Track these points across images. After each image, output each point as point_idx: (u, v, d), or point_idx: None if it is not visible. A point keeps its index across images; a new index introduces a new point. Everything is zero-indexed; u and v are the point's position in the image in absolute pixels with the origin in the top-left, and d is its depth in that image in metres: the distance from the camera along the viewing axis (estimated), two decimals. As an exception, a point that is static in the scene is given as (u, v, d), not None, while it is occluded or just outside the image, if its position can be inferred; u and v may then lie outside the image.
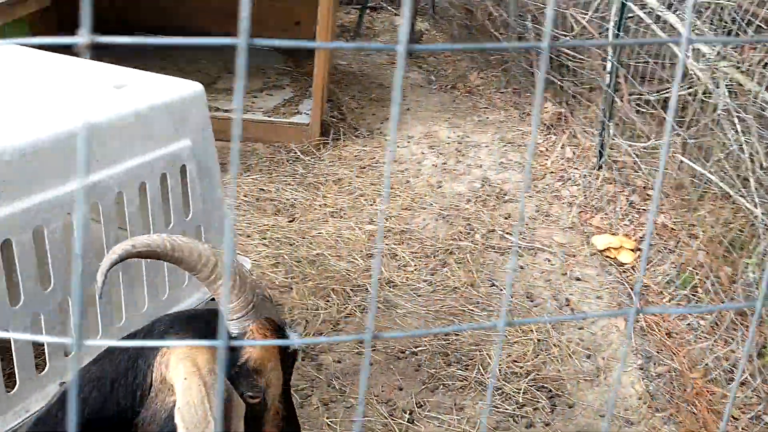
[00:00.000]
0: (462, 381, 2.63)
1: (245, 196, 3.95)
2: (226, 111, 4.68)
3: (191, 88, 1.92)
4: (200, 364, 0.97)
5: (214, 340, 1.03)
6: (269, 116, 4.69)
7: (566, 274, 3.31)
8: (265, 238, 3.53)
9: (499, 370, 2.66)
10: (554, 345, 2.80)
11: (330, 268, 3.31)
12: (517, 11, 4.90)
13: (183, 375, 0.95)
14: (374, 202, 3.97)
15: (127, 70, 1.99)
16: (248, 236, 3.54)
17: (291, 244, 3.49)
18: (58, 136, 1.54)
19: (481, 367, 2.69)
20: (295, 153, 4.49)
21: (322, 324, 2.92)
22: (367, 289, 3.17)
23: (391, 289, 3.18)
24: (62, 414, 0.96)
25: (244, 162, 4.35)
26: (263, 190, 4.03)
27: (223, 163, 4.35)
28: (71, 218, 1.58)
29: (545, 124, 4.77)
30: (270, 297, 1.13)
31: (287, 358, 1.13)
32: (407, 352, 2.77)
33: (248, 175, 4.19)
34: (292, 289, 3.13)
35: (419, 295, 3.14)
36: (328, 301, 3.06)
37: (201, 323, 1.06)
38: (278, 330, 1.10)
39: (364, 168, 4.41)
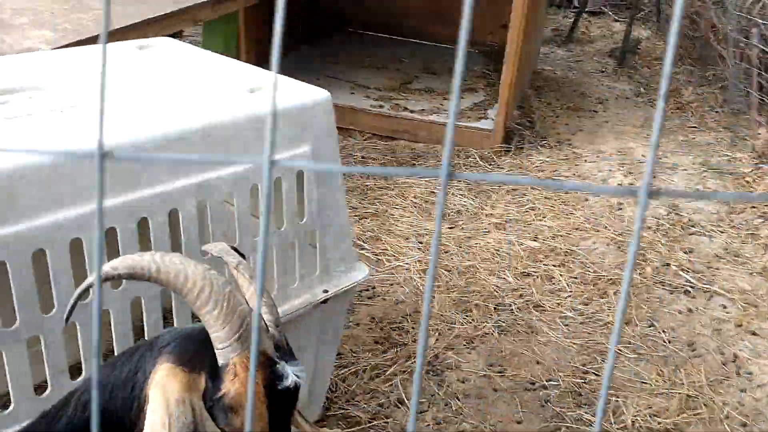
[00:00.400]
0: (588, 426, 2.43)
1: (414, 198, 3.96)
2: (413, 112, 4.72)
3: (317, 95, 1.94)
4: (168, 394, 0.96)
5: (198, 364, 1.02)
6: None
7: (741, 325, 2.93)
8: (421, 243, 3.51)
9: (632, 422, 2.42)
10: (705, 404, 2.49)
11: (478, 281, 3.21)
12: (740, 23, 4.40)
13: (152, 404, 0.95)
14: (544, 218, 3.80)
15: (265, 73, 2.06)
16: (406, 239, 3.54)
17: (446, 252, 3.44)
18: (171, 134, 1.63)
19: (612, 416, 2.46)
20: (474, 158, 4.42)
21: (455, 339, 2.84)
22: (512, 309, 3.04)
23: (538, 314, 3.02)
24: (65, 411, 1.01)
25: (422, 163, 4.37)
26: (433, 193, 4.02)
27: (402, 162, 4.41)
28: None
29: (756, 152, 4.25)
30: (269, 325, 1.10)
31: (279, 395, 1.08)
32: (537, 385, 2.61)
33: (423, 177, 4.19)
34: (434, 297, 3.08)
35: (566, 325, 2.95)
36: (467, 315, 2.97)
37: (192, 346, 1.04)
38: (267, 365, 1.05)
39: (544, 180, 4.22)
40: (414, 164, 4.37)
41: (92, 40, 2.93)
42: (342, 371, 2.62)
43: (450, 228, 3.67)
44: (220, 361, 1.01)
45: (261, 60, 4.96)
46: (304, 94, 1.93)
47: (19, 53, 2.72)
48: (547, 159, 4.46)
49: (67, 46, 2.80)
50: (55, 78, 1.89)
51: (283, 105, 1.86)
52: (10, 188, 1.40)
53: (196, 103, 1.81)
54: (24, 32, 2.84)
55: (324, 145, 1.95)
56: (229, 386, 1.00)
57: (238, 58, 4.70)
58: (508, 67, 4.33)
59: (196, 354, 1.02)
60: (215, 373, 1.01)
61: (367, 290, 3.15)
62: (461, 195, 4.00)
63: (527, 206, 3.91)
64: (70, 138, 1.55)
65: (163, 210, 1.62)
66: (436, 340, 2.83)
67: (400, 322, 2.93)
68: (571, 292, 3.17)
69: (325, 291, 2.04)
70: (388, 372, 2.63)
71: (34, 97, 1.80)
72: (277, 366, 1.05)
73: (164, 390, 0.95)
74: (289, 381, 1.05)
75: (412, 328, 2.90)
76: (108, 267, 0.95)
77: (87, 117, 1.69)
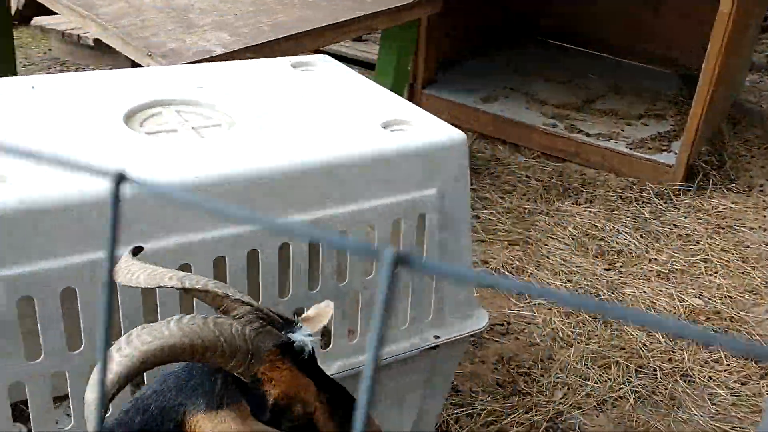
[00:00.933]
0: None
1: (574, 229, 3.75)
2: (588, 135, 4.45)
3: (452, 135, 1.84)
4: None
5: (232, 395, 0.98)
6: (631, 148, 4.33)
7: None
8: (570, 281, 3.31)
9: None
10: None
11: (624, 336, 2.97)
12: None
13: None
14: (715, 273, 3.43)
15: (406, 106, 2.00)
16: (555, 274, 3.36)
17: (596, 296, 3.22)
18: (293, 166, 1.62)
19: None
20: (648, 194, 4.09)
21: (585, 397, 2.64)
22: (656, 375, 2.77)
23: (685, 384, 2.73)
24: (134, 415, 1.02)
25: (590, 192, 4.12)
26: (596, 226, 3.78)
27: (569, 187, 4.18)
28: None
29: None
30: (252, 311, 1.04)
31: (307, 362, 1.07)
32: (666, 467, 2.37)
33: (587, 207, 3.95)
34: (572, 346, 2.89)
35: (714, 404, 2.64)
36: (603, 373, 2.76)
37: (211, 381, 1.00)
38: (285, 352, 1.04)
39: (723, 229, 3.83)
40: (582, 191, 4.13)
41: (266, 45, 3.03)
42: (456, 411, 2.53)
43: (606, 269, 3.43)
44: (248, 381, 0.99)
45: (439, 71, 4.92)
46: (437, 134, 1.85)
47: (195, 53, 2.87)
48: (732, 205, 4.03)
49: (240, 50, 2.92)
50: (209, 92, 1.95)
51: (414, 144, 1.80)
52: (128, 211, 1.45)
53: (326, 135, 1.79)
54: (204, 34, 2.99)
55: (453, 189, 1.86)
56: (275, 392, 1.01)
57: (414, 68, 4.71)
58: (700, 96, 3.95)
59: (221, 388, 1.00)
60: (250, 390, 1.01)
61: (501, 325, 3.03)
62: (627, 233, 3.73)
63: (699, 257, 3.56)
64: (194, 164, 1.59)
65: (274, 243, 1.62)
66: (564, 395, 2.65)
67: (529, 368, 2.78)
68: (728, 365, 2.84)
69: (437, 337, 1.97)
70: (505, 421, 2.51)
71: (184, 112, 1.88)
72: (294, 344, 1.05)
73: None
74: (309, 347, 1.06)
75: (542, 376, 2.74)
76: (108, 387, 0.90)
77: (226, 141, 1.72)
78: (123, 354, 0.87)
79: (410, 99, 4.96)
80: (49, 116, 1.72)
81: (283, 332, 1.06)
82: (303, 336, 1.06)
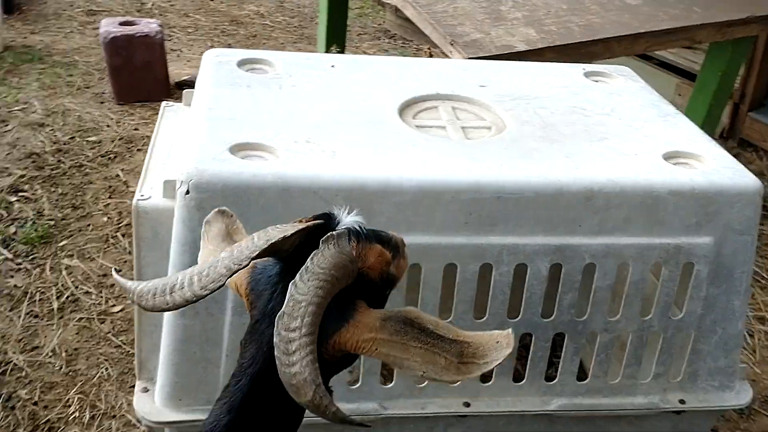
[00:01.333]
0: None
1: None
2: None
3: (744, 180, 1.57)
4: (377, 337, 0.98)
5: (353, 303, 1.00)
6: None
7: None
8: None
9: None
10: None
11: None
12: None
13: (383, 351, 0.97)
14: None
15: (703, 140, 1.74)
16: None
17: None
18: (546, 185, 1.51)
19: None
20: None
21: None
22: None
23: None
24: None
25: None
26: None
27: None
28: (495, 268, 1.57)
29: None
30: (319, 228, 1.02)
31: (377, 235, 1.08)
32: None
33: None
34: None
35: None
36: None
37: (334, 299, 0.99)
38: (357, 239, 1.04)
39: None
40: None
41: (570, 47, 2.89)
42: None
43: None
44: (352, 281, 1.00)
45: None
46: (727, 177, 1.60)
47: (496, 48, 2.85)
48: None
49: (543, 49, 2.83)
50: (490, 92, 1.90)
51: (695, 183, 1.58)
52: (368, 200, 1.48)
53: (596, 156, 1.65)
54: (510, 28, 2.95)
55: (734, 242, 1.61)
56: (375, 275, 1.04)
57: (742, 87, 4.18)
58: None
59: (335, 303, 0.98)
60: (357, 288, 1.02)
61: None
62: None
63: None
64: (447, 165, 1.56)
65: (511, 261, 1.55)
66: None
67: (800, 459, 2.36)
68: None
69: (682, 401, 1.74)
70: None
71: (459, 109, 1.86)
72: (357, 228, 1.05)
73: (373, 336, 0.98)
74: (363, 221, 1.07)
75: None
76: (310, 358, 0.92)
77: (488, 145, 1.66)
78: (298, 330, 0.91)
79: (732, 120, 4.44)
80: (335, 96, 1.80)
81: (340, 227, 1.07)
82: (351, 217, 1.08)
